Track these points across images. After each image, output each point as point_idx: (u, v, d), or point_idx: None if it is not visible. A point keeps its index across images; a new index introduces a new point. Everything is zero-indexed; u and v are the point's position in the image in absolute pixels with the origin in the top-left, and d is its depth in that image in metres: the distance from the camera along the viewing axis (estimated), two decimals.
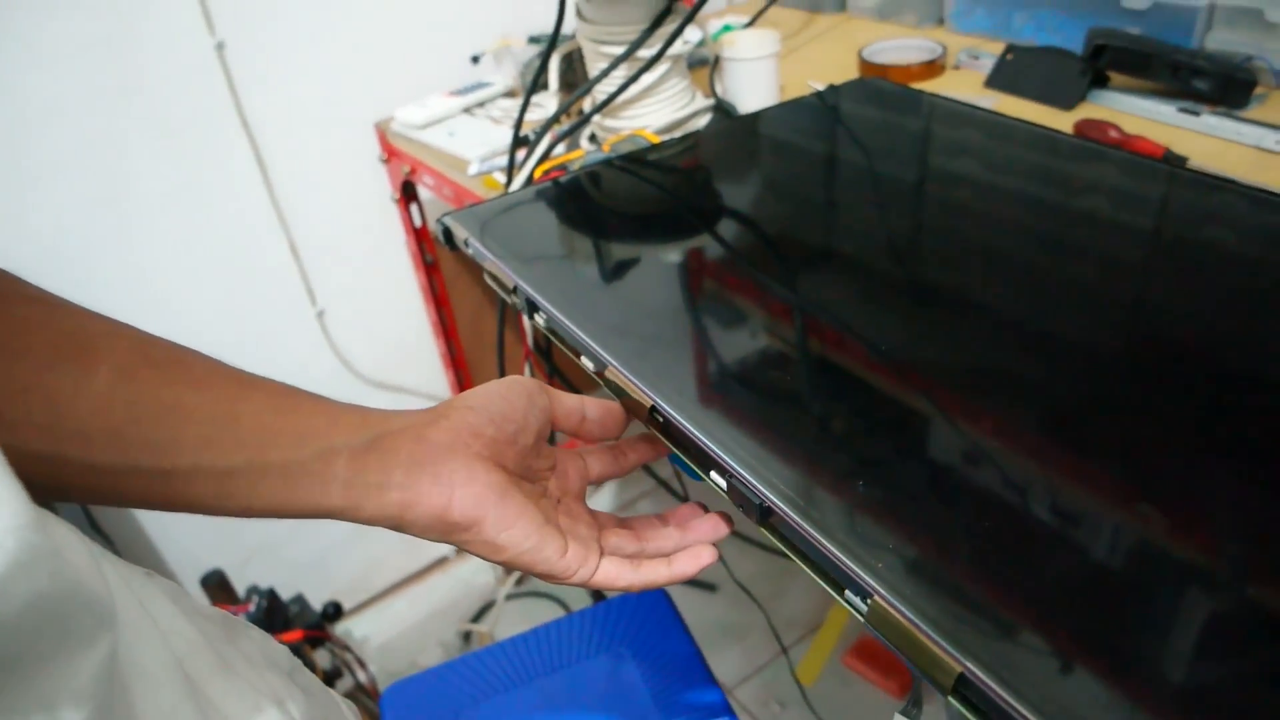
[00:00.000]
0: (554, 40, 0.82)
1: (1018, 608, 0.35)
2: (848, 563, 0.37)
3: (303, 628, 1.19)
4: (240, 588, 1.29)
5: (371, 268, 1.34)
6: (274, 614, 1.18)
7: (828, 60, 1.10)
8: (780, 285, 0.60)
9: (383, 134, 1.13)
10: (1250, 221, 0.60)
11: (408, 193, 1.17)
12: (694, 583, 1.48)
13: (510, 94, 1.11)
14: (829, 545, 0.38)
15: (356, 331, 1.37)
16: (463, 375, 1.38)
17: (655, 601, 0.94)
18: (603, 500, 1.69)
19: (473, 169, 0.95)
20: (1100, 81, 0.91)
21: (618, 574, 0.43)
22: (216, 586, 1.25)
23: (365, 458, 0.39)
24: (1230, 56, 0.88)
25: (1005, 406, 0.47)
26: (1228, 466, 0.41)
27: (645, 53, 0.83)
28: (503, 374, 0.95)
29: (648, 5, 0.83)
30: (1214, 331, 0.52)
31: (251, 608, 1.17)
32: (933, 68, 1.01)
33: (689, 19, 0.80)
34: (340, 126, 1.21)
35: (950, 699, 0.33)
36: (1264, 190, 0.61)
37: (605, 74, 0.84)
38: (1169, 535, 0.39)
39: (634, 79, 0.82)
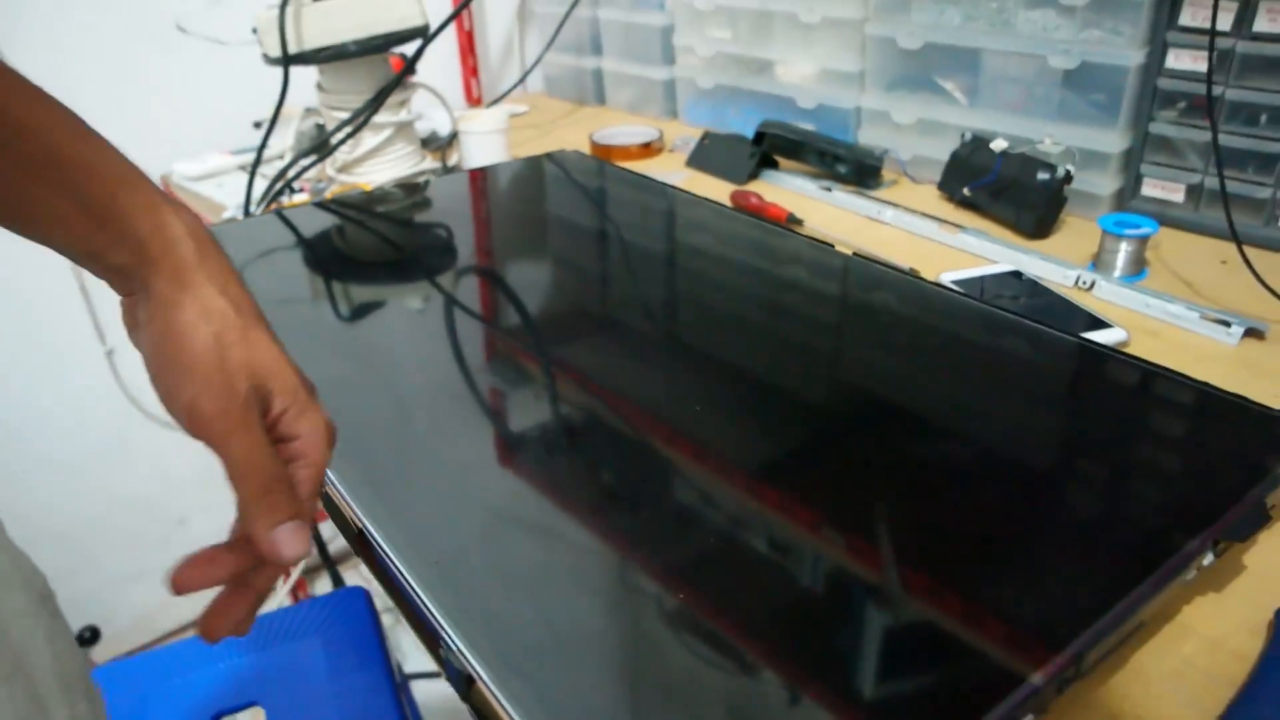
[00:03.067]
0: (279, 105, 0.95)
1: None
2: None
3: None
4: None
5: None
6: None
7: (568, 141, 1.26)
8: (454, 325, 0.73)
9: (166, 184, 1.23)
10: (829, 269, 0.77)
11: None
12: None
13: (283, 156, 1.23)
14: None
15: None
16: None
17: None
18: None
19: (227, 214, 1.06)
20: (772, 164, 1.08)
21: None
22: None
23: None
24: (871, 149, 1.07)
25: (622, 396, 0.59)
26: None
27: (382, 118, 0.96)
28: None
29: (373, 77, 0.97)
30: (790, 343, 0.67)
31: None
32: (649, 149, 1.18)
33: (397, 81, 0.94)
34: None
35: None
36: (824, 243, 0.77)
37: (333, 133, 0.97)
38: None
39: (351, 134, 0.95)
